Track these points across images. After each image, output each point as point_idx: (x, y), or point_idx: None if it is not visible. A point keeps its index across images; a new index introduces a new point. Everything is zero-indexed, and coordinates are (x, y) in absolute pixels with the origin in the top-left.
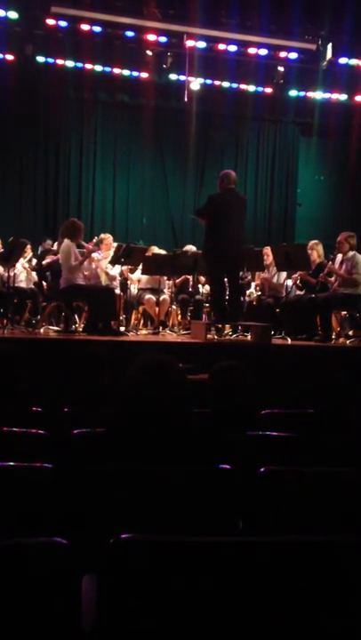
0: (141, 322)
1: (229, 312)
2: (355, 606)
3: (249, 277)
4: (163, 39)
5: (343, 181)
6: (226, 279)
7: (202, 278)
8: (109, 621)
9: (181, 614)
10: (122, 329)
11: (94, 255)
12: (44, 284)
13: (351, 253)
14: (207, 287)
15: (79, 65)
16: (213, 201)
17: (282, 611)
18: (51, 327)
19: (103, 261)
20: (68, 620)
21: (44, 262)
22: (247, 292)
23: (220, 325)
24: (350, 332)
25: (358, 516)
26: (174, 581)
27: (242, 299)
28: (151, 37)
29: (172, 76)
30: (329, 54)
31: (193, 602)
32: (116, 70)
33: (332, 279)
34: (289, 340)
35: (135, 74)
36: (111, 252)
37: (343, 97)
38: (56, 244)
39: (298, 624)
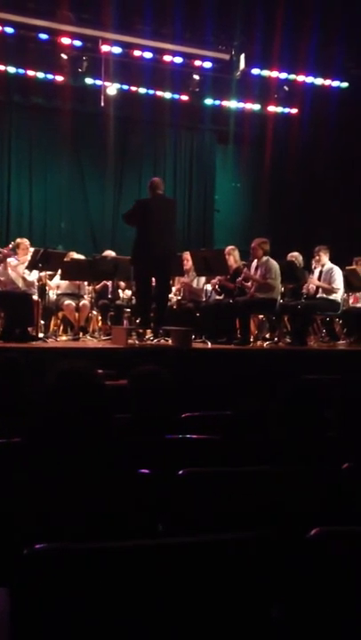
0: (61, 328)
1: (155, 316)
2: (272, 601)
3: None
4: (78, 43)
5: (258, 188)
6: (154, 282)
7: (122, 283)
8: (24, 636)
9: (101, 623)
10: (40, 335)
11: (10, 260)
12: None
13: (265, 258)
14: (127, 292)
15: None
16: (139, 205)
17: (203, 610)
18: None
19: (20, 266)
20: None
21: None
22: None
23: (140, 330)
24: (267, 335)
25: (275, 513)
26: (92, 589)
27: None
28: (66, 41)
29: (89, 80)
30: (242, 65)
31: (113, 609)
32: (30, 72)
33: (249, 284)
34: (209, 343)
35: (50, 76)
36: (29, 257)
37: (256, 107)
38: None
39: (218, 622)
